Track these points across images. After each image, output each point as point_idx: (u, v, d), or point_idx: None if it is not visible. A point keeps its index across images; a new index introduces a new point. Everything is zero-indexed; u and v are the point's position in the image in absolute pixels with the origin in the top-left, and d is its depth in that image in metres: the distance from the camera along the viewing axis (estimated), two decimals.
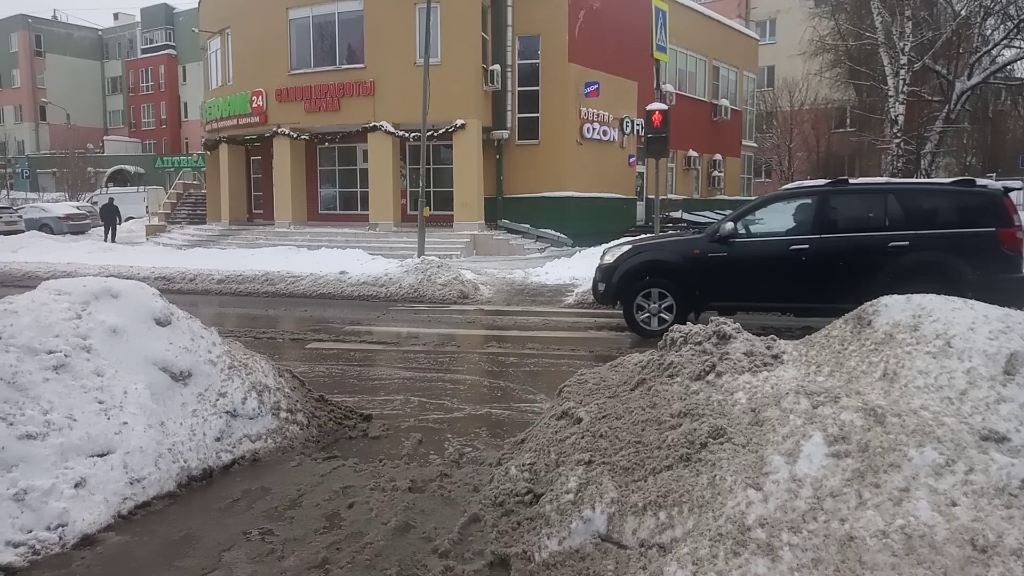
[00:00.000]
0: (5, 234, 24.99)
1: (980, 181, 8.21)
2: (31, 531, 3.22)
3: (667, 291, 8.51)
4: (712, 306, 8.62)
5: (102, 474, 3.58)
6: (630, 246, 9.30)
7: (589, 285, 11.68)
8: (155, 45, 62.78)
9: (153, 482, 3.74)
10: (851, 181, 8.60)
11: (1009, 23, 21.79)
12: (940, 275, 7.61)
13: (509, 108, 20.68)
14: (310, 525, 3.52)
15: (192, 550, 3.29)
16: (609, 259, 9.04)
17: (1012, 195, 7.94)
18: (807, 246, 8.01)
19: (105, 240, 24.61)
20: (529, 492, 3.35)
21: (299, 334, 8.99)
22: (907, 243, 7.77)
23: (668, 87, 24.36)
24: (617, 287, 8.73)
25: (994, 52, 22.91)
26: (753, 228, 8.48)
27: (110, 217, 25.39)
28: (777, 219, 8.53)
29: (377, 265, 14.33)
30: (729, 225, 8.39)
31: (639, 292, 8.59)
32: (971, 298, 8.14)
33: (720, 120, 28.66)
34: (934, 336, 2.96)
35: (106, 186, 44.26)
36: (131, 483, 3.65)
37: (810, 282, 8.02)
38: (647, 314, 8.60)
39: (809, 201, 8.30)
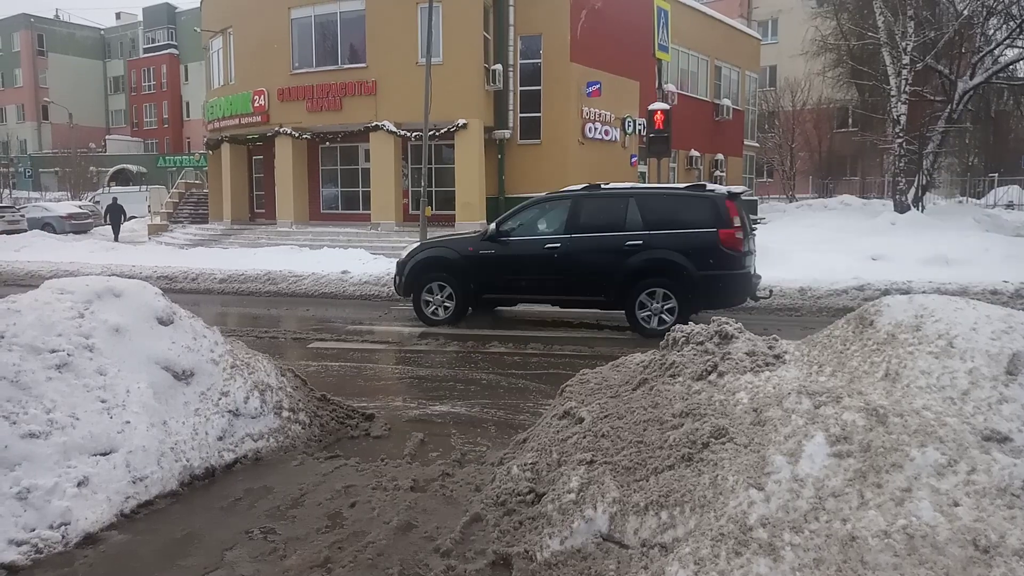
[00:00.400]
0: (8, 233, 25.03)
1: (709, 186, 9.06)
2: (34, 530, 3.23)
3: (448, 284, 9.41)
4: (487, 299, 9.59)
5: (105, 473, 3.59)
6: (419, 243, 10.23)
7: None
8: (157, 44, 62.81)
9: (156, 481, 3.74)
10: (603, 186, 9.56)
11: (1012, 23, 21.74)
12: (667, 271, 8.55)
13: (511, 108, 20.66)
14: (312, 524, 3.52)
15: (194, 549, 3.30)
16: (403, 255, 9.90)
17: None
18: (559, 245, 8.91)
19: (115, 239, 24.80)
20: (531, 491, 3.36)
21: (301, 333, 9.00)
22: (641, 242, 8.62)
23: (670, 87, 24.33)
24: (407, 281, 9.65)
25: (996, 52, 22.84)
26: (518, 228, 9.31)
27: (115, 216, 25.50)
28: (538, 220, 9.42)
29: (379, 264, 14.36)
30: (493, 226, 9.32)
31: (425, 285, 9.51)
32: (694, 292, 8.49)
33: (722, 120, 28.62)
34: (936, 336, 2.95)
35: (108, 185, 44.31)
36: (134, 482, 3.66)
37: (561, 277, 8.93)
38: (432, 305, 9.50)
39: (564, 204, 9.19)
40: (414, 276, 9.57)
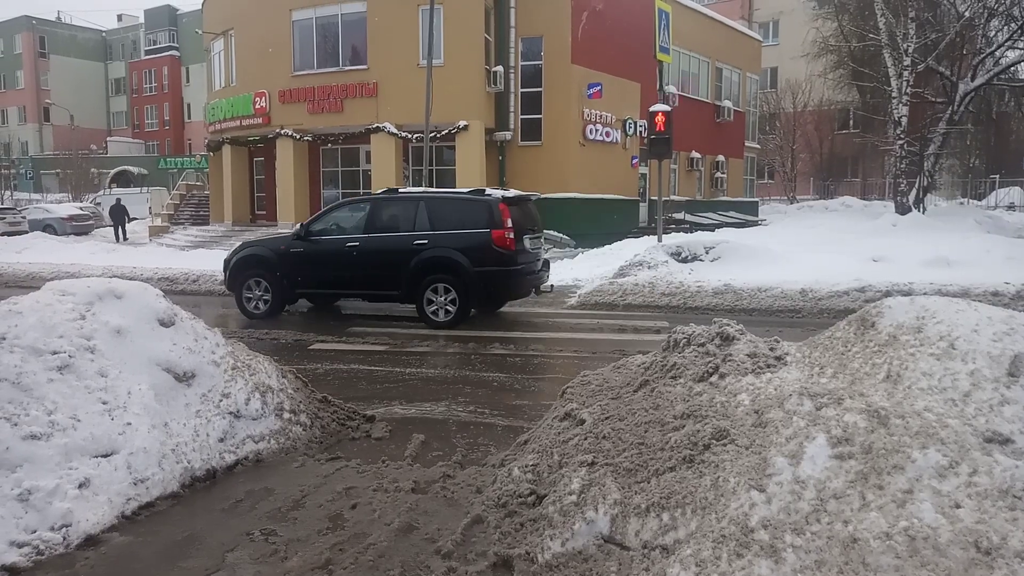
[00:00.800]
0: (9, 235, 25.06)
1: (488, 190, 9.79)
2: (35, 531, 3.23)
3: (265, 281, 10.07)
4: (300, 294, 10.21)
5: (106, 474, 3.59)
6: (242, 241, 10.89)
7: (593, 286, 11.98)
8: (159, 46, 62.91)
9: (157, 483, 3.74)
10: (400, 190, 10.37)
11: (1013, 24, 21.76)
12: (448, 268, 9.22)
13: (512, 109, 20.68)
14: (313, 526, 3.52)
15: (195, 551, 3.30)
16: (228, 253, 10.55)
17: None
18: (358, 244, 9.62)
19: (117, 240, 24.82)
20: (532, 493, 3.35)
21: (302, 335, 9.00)
22: (426, 241, 9.35)
23: (671, 88, 24.34)
24: (230, 277, 10.40)
25: (997, 53, 22.88)
26: (325, 228, 10.00)
27: (119, 217, 25.56)
28: (342, 221, 10.11)
29: None
30: (300, 225, 9.96)
31: (245, 281, 10.18)
32: (472, 287, 9.22)
33: (723, 121, 28.63)
34: (938, 338, 2.95)
35: (109, 187, 44.39)
36: (135, 483, 3.66)
37: (360, 273, 9.63)
38: (252, 300, 10.16)
39: (365, 206, 9.97)
40: (236, 272, 10.28)
